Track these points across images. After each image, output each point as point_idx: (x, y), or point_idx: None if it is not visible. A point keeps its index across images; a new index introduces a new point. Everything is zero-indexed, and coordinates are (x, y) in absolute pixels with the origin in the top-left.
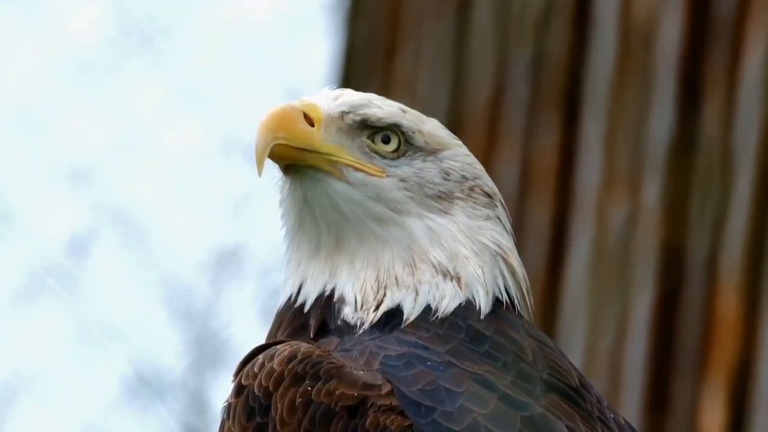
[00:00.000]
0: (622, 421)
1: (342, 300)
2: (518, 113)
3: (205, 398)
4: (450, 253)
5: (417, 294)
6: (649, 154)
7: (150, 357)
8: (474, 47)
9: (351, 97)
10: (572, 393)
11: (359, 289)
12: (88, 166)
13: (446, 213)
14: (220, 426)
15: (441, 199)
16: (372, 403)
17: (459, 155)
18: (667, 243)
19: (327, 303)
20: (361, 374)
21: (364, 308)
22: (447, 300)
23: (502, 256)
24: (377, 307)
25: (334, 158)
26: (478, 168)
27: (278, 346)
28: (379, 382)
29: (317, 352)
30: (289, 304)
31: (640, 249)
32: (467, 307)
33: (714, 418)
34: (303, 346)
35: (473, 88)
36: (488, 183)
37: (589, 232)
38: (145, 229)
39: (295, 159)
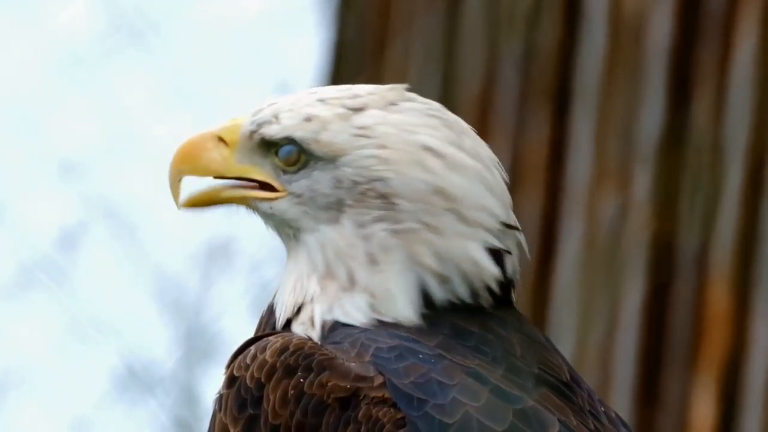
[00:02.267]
0: (613, 416)
1: (274, 311)
2: (508, 107)
3: (196, 392)
4: (343, 264)
5: (331, 308)
6: (639, 147)
7: (140, 351)
8: (464, 41)
9: (263, 112)
10: (563, 387)
11: (282, 301)
12: (78, 159)
13: (334, 222)
14: (212, 417)
15: (330, 209)
16: (364, 396)
17: (357, 159)
18: (657, 236)
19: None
20: (354, 366)
21: (285, 319)
22: (361, 313)
23: (386, 259)
24: (312, 322)
25: (240, 192)
26: (382, 168)
27: (270, 338)
28: (372, 374)
29: (309, 343)
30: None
31: (631, 242)
32: (443, 305)
33: (704, 412)
34: (295, 338)
35: (463, 82)
36: (392, 183)
37: (579, 226)
38: (135, 222)
39: (210, 202)
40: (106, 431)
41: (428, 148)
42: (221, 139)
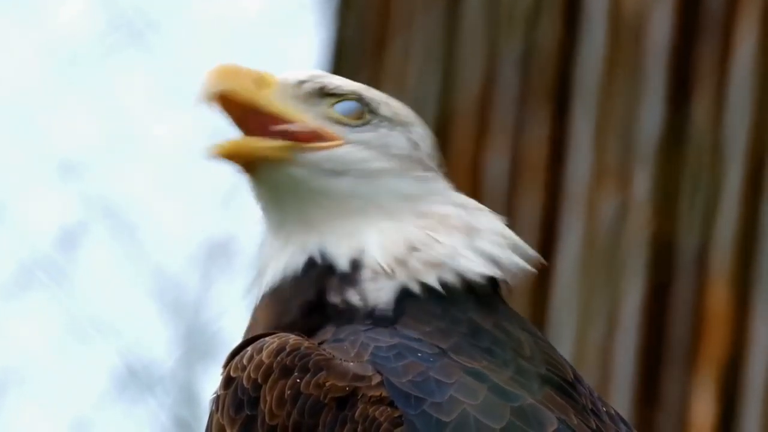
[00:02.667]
0: (614, 413)
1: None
2: (508, 106)
3: (196, 391)
4: (456, 214)
5: (452, 258)
6: (639, 147)
7: (140, 350)
8: (464, 40)
9: (309, 70)
10: (567, 387)
11: (380, 244)
12: (78, 159)
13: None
14: (209, 418)
15: (414, 162)
16: (362, 395)
17: (424, 135)
18: (657, 236)
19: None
20: (351, 366)
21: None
22: (477, 264)
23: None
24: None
25: (290, 117)
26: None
27: (267, 338)
28: (369, 374)
29: (306, 344)
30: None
31: (631, 242)
32: (463, 296)
33: (704, 411)
34: (291, 338)
35: (463, 81)
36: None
37: (579, 225)
38: (134, 222)
39: (246, 156)
40: (106, 431)
41: None
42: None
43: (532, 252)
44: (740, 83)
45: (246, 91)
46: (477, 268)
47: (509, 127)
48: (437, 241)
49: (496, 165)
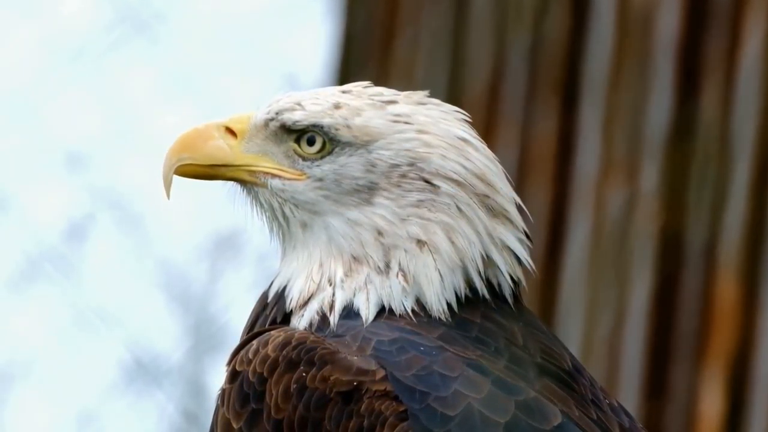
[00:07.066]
0: (615, 404)
1: (288, 297)
2: (516, 98)
3: (203, 383)
4: (381, 246)
5: (367, 293)
6: (647, 139)
7: (147, 342)
8: (472, 32)
9: (281, 102)
10: (565, 376)
11: (297, 289)
12: (84, 151)
13: (365, 205)
14: (215, 413)
15: (359, 192)
16: (366, 389)
17: (395, 142)
18: (665, 228)
19: (281, 298)
20: (355, 360)
21: (308, 306)
22: (398, 298)
23: (428, 243)
24: (331, 307)
25: (253, 168)
26: (424, 150)
27: (272, 332)
28: (373, 368)
29: (311, 338)
30: (266, 294)
31: (639, 234)
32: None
33: (712, 404)
34: (297, 332)
35: (471, 73)
36: (434, 165)
37: (587, 218)
38: (142, 214)
39: (207, 175)
40: (113, 423)
41: (464, 139)
42: (228, 130)
43: (436, 294)
44: (748, 76)
45: (208, 155)
46: (367, 313)
47: (517, 119)
48: (341, 283)
49: (505, 157)
